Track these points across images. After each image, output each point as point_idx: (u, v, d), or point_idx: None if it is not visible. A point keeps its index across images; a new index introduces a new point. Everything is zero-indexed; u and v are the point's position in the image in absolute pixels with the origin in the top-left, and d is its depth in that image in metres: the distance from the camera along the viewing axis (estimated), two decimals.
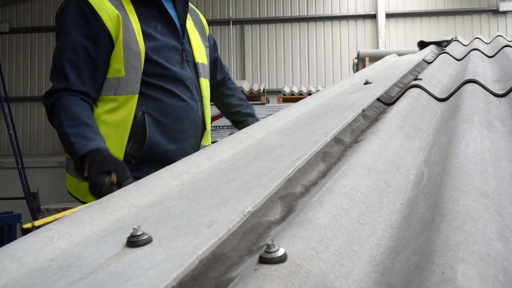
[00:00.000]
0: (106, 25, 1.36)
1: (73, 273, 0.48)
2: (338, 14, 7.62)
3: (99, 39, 1.36)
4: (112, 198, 0.67)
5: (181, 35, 1.52)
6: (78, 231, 0.58)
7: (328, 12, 7.65)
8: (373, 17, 7.55)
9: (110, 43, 1.37)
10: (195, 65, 1.55)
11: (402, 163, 0.77)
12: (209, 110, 1.62)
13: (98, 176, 1.16)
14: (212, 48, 1.77)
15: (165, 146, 1.41)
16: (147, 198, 0.69)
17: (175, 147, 1.43)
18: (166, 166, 0.81)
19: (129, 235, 0.54)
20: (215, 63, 1.79)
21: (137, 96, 1.39)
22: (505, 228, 0.49)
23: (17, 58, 7.84)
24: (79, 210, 0.63)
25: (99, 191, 1.14)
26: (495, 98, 1.25)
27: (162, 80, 1.43)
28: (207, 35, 1.73)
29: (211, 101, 1.76)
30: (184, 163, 0.83)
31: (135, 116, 1.38)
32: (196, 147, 1.53)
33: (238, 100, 1.85)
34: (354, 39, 7.59)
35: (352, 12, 7.62)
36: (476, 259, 0.39)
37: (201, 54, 1.59)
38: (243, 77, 7.56)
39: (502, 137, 0.88)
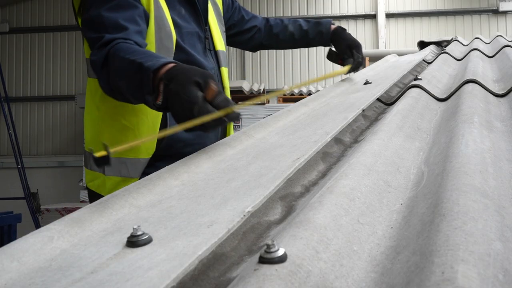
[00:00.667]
0: None
1: (73, 273, 0.48)
2: (338, 14, 7.61)
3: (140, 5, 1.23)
4: (112, 198, 0.67)
5: (204, 21, 1.41)
6: (78, 231, 0.58)
7: (328, 12, 7.64)
8: (373, 17, 7.55)
9: (147, 16, 1.24)
10: (216, 54, 1.47)
11: (402, 163, 0.77)
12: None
13: (187, 90, 0.87)
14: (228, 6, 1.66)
15: (185, 140, 1.31)
16: (147, 198, 0.69)
17: (194, 137, 1.31)
18: (166, 166, 0.81)
19: (129, 235, 0.54)
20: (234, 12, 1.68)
21: None
22: (505, 228, 0.49)
23: (17, 58, 7.83)
24: (79, 210, 0.63)
25: (189, 111, 0.85)
26: (495, 98, 1.25)
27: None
28: (222, 13, 1.61)
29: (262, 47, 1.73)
30: (184, 163, 0.83)
31: None
32: (215, 141, 1.45)
33: (293, 25, 1.76)
34: None
35: (352, 12, 7.62)
36: (476, 259, 0.39)
37: (220, 41, 1.50)
38: (243, 77, 7.55)
39: (502, 137, 0.88)
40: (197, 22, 1.39)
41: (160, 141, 1.29)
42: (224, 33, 1.58)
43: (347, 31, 1.76)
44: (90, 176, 1.39)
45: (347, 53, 1.71)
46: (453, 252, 0.40)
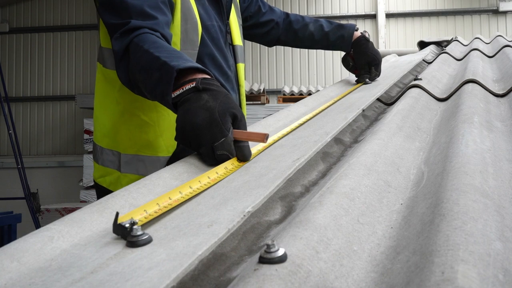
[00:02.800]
0: None
1: (73, 273, 0.48)
2: (338, 14, 7.61)
3: None
4: (112, 198, 0.67)
5: (226, 14, 1.34)
6: (78, 231, 0.58)
7: (328, 12, 7.64)
8: (373, 17, 7.55)
9: (173, 5, 1.17)
10: (233, 49, 1.40)
11: (402, 163, 0.77)
12: (245, 99, 1.46)
13: (225, 116, 0.79)
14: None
15: None
16: (147, 198, 0.69)
17: None
18: (166, 166, 0.80)
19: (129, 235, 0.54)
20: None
21: None
22: (505, 228, 0.49)
23: (17, 58, 7.83)
24: (79, 210, 0.63)
25: (212, 138, 0.78)
26: (495, 98, 1.25)
27: (211, 64, 1.26)
28: (239, 3, 1.53)
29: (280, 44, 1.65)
30: (184, 163, 0.83)
31: None
32: None
33: (314, 25, 1.66)
34: None
35: (352, 12, 7.62)
36: (476, 259, 0.39)
37: (238, 35, 1.43)
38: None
39: (502, 137, 0.88)
40: (219, 15, 1.33)
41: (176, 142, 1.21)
42: (241, 26, 1.51)
43: (370, 43, 1.67)
44: (101, 171, 1.31)
45: (365, 68, 1.64)
46: (453, 252, 0.40)
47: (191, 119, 0.81)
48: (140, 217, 0.58)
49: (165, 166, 1.19)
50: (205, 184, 0.72)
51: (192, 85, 0.84)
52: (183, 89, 0.85)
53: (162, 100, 0.93)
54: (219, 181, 0.75)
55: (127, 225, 0.55)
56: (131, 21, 1.06)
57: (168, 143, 1.23)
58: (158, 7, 1.11)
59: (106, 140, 1.31)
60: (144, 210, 0.60)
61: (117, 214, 0.55)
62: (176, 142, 1.20)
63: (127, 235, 0.55)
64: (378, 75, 1.66)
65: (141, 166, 1.26)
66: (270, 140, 0.94)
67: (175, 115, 1.03)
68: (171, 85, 0.87)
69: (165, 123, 1.22)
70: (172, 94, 0.86)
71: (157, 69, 0.92)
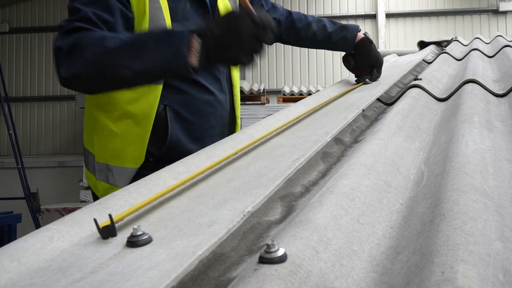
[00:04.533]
0: None
1: (73, 273, 0.48)
2: (338, 14, 7.61)
3: (126, 7, 1.14)
4: (112, 198, 0.67)
5: (211, 15, 1.30)
6: (78, 231, 0.58)
7: (328, 12, 7.64)
8: (373, 17, 7.54)
9: (131, 19, 1.16)
10: None
11: (402, 163, 0.77)
12: (239, 100, 1.44)
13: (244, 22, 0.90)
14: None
15: (187, 145, 1.24)
16: (147, 198, 0.69)
17: (198, 147, 1.18)
18: (166, 166, 0.81)
19: (129, 235, 0.54)
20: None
21: (161, 86, 1.19)
22: (505, 228, 0.49)
23: (17, 58, 7.83)
24: (79, 210, 0.63)
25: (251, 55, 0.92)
26: (495, 98, 1.25)
27: None
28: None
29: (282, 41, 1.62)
30: (184, 163, 0.83)
31: (157, 109, 1.20)
32: None
33: (317, 25, 1.63)
34: None
35: (352, 12, 7.61)
36: (476, 259, 0.39)
37: None
38: (243, 77, 7.55)
39: (502, 137, 0.88)
40: (203, 17, 1.28)
41: (161, 145, 1.23)
42: None
43: (373, 44, 1.65)
44: (87, 174, 1.36)
45: (366, 69, 1.63)
46: (453, 252, 0.40)
47: (224, 48, 0.92)
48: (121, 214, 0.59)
49: (133, 178, 1.22)
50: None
51: (196, 40, 0.92)
52: (194, 49, 0.92)
53: (171, 64, 0.95)
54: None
55: (109, 224, 0.56)
56: (75, 23, 1.06)
57: (135, 154, 1.22)
58: (105, 19, 1.10)
59: (90, 144, 1.33)
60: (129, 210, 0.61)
61: (95, 220, 0.56)
62: (143, 154, 1.21)
63: (113, 231, 0.56)
64: (379, 77, 1.65)
65: (110, 175, 1.25)
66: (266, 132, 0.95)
67: (144, 126, 1.17)
68: (184, 44, 0.92)
69: (132, 134, 1.21)
70: (191, 62, 0.92)
71: (153, 40, 0.96)
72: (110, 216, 0.56)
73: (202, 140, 1.27)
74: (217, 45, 0.93)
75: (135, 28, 1.17)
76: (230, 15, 0.94)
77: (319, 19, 1.68)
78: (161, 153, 1.23)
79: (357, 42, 1.64)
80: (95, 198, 1.33)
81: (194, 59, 0.93)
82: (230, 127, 1.39)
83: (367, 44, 1.63)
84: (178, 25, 1.21)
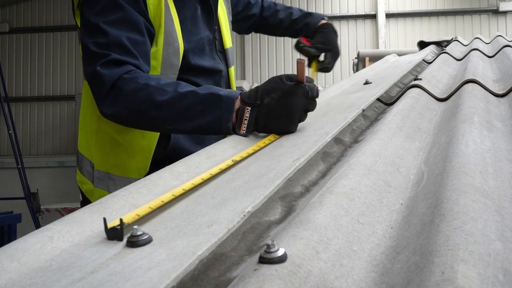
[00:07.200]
0: (149, 9, 1.14)
1: (73, 273, 0.48)
2: (338, 14, 7.61)
3: (149, 21, 1.14)
4: (112, 198, 0.67)
5: (216, 20, 1.31)
6: (78, 231, 0.58)
7: (328, 12, 7.64)
8: (373, 17, 7.55)
9: (153, 35, 1.15)
10: (224, 53, 1.37)
11: (402, 163, 0.77)
12: None
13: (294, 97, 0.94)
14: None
15: (188, 149, 1.23)
16: (147, 198, 0.69)
17: (199, 149, 1.22)
18: (166, 166, 0.81)
19: (129, 235, 0.54)
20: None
21: None
22: (505, 228, 0.49)
23: (17, 58, 7.84)
24: (79, 210, 0.63)
25: (299, 113, 0.96)
26: (495, 98, 1.25)
27: (192, 74, 1.24)
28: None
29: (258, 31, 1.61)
30: (184, 163, 0.83)
31: None
32: None
33: (284, 12, 1.61)
34: (354, 39, 7.59)
35: (352, 12, 7.62)
36: (476, 259, 0.39)
37: (229, 37, 1.39)
38: (243, 77, 7.55)
39: (502, 137, 0.88)
40: (207, 22, 1.29)
41: (164, 149, 1.22)
42: (231, 22, 1.47)
43: (336, 34, 1.58)
44: (80, 177, 1.34)
45: (319, 49, 1.52)
46: (453, 252, 0.40)
47: (276, 120, 0.97)
48: (130, 218, 0.59)
49: None
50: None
51: (247, 110, 0.96)
52: (245, 119, 0.97)
53: (215, 128, 0.99)
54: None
55: (118, 227, 0.55)
56: (112, 54, 1.06)
57: (139, 165, 1.21)
58: (137, 41, 1.10)
59: (86, 150, 1.31)
60: (136, 214, 0.60)
61: (104, 219, 0.56)
62: (148, 165, 1.21)
63: (121, 235, 0.55)
64: (331, 67, 1.55)
65: (112, 184, 1.24)
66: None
67: (150, 140, 1.18)
68: (231, 111, 0.97)
69: (138, 145, 1.21)
70: (242, 129, 0.97)
71: (199, 102, 0.98)
72: (121, 220, 0.55)
73: (203, 143, 1.26)
74: (267, 117, 0.96)
75: (154, 40, 1.17)
76: (284, 88, 0.95)
77: (287, 7, 1.66)
78: (163, 157, 1.23)
79: (320, 25, 1.59)
80: (85, 200, 1.32)
81: (242, 127, 0.97)
82: None
83: (330, 29, 1.58)
84: (188, 35, 1.22)
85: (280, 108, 0.95)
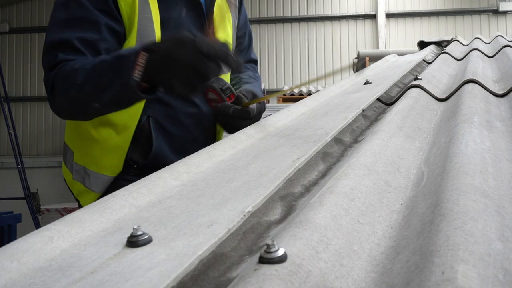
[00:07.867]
0: (120, 7, 1.11)
1: (73, 273, 0.48)
2: (338, 14, 7.62)
3: (116, 20, 1.11)
4: (112, 198, 0.67)
5: (206, 23, 1.25)
6: (78, 231, 0.58)
7: (328, 12, 7.65)
8: (373, 17, 7.55)
9: (122, 31, 1.13)
10: None
11: (402, 163, 0.77)
12: None
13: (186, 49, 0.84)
14: (242, 24, 1.44)
15: (171, 156, 1.22)
16: (147, 198, 0.69)
17: (182, 158, 1.13)
18: (166, 166, 0.81)
19: (129, 235, 0.54)
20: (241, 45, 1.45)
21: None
22: (505, 228, 0.49)
23: (17, 58, 7.84)
24: (79, 210, 0.63)
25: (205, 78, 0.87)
26: (495, 98, 1.25)
27: None
28: (238, 11, 1.40)
29: None
30: (184, 163, 0.83)
31: (139, 120, 1.19)
32: None
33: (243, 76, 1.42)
34: (354, 39, 7.59)
35: (352, 12, 7.62)
36: (476, 259, 0.39)
37: (228, 42, 1.32)
38: None
39: (502, 137, 0.88)
40: (198, 24, 1.25)
41: (145, 156, 1.21)
42: (235, 38, 1.40)
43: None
44: (64, 168, 1.36)
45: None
46: (453, 252, 0.40)
47: (168, 76, 0.87)
48: None
49: (109, 185, 1.21)
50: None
51: (144, 56, 0.88)
52: (140, 63, 0.88)
53: (123, 90, 0.93)
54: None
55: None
56: (58, 55, 1.06)
57: (113, 163, 1.20)
58: (90, 40, 1.08)
59: (70, 142, 1.33)
60: None
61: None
62: (121, 164, 1.20)
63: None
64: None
65: (87, 179, 1.24)
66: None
67: (124, 138, 1.17)
68: (131, 68, 0.89)
69: (111, 143, 1.20)
70: (134, 75, 0.88)
71: (107, 66, 0.95)
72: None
73: (186, 151, 1.16)
74: (156, 67, 0.89)
75: (126, 41, 1.15)
76: (178, 37, 0.88)
77: (254, 77, 1.46)
78: (146, 162, 1.22)
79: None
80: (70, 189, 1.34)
81: (137, 73, 0.89)
82: (214, 138, 1.35)
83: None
84: (169, 35, 1.17)
85: (169, 59, 0.86)
